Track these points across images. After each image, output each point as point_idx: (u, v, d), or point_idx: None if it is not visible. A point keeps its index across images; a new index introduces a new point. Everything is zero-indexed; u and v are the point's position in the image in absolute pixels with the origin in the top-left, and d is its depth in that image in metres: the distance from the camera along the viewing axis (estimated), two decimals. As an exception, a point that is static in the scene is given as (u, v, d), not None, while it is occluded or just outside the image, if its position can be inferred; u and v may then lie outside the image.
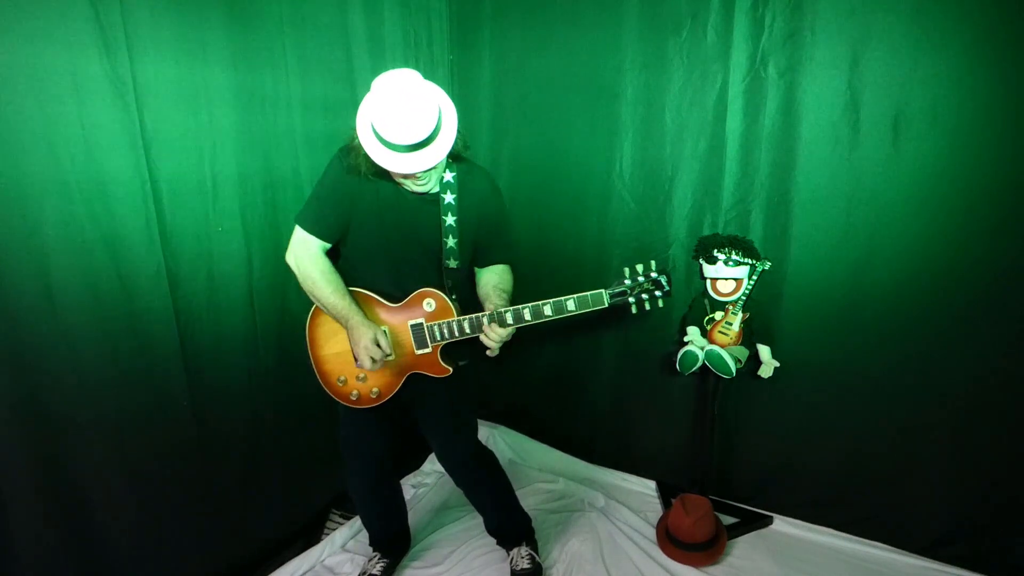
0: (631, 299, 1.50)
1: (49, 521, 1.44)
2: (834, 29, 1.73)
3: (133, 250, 1.51)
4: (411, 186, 1.48)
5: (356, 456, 1.79)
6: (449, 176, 1.54)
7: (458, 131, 1.41)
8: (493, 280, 1.65)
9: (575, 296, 1.48)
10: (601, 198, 2.24)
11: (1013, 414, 1.71)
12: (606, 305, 1.48)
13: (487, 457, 1.90)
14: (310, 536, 2.15)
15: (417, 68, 1.91)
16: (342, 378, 1.64)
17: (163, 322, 1.59)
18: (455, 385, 1.65)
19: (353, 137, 1.41)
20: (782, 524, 2.13)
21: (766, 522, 2.14)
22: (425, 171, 1.39)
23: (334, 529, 2.17)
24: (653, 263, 1.52)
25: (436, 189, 1.53)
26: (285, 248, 1.56)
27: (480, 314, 1.52)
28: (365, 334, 1.51)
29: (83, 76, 1.36)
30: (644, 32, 2.03)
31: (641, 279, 1.50)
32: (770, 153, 1.90)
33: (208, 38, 1.60)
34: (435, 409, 1.74)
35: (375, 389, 1.63)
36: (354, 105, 2.04)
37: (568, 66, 2.21)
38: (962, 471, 1.82)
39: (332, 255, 1.61)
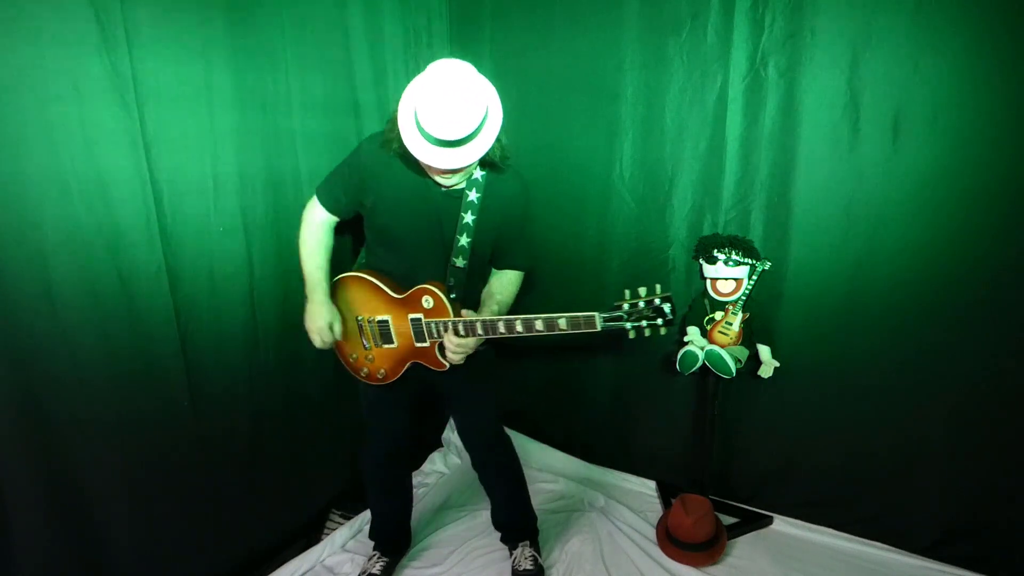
0: (628, 324, 1.40)
1: (49, 521, 1.43)
2: (834, 29, 1.72)
3: (133, 250, 1.50)
4: (437, 178, 1.47)
5: (373, 426, 1.82)
6: (478, 174, 1.52)
7: (499, 140, 1.39)
8: (495, 286, 1.67)
9: (567, 315, 1.42)
10: (601, 198, 2.23)
11: (1013, 414, 1.71)
12: (598, 329, 1.41)
13: (508, 443, 1.91)
14: (310, 536, 2.15)
15: (417, 67, 1.91)
16: (354, 355, 1.73)
17: (163, 322, 1.59)
18: (473, 365, 1.64)
19: (396, 110, 1.39)
20: (782, 524, 2.13)
21: (766, 522, 2.14)
22: (453, 169, 1.37)
23: (334, 529, 2.17)
24: (658, 287, 1.40)
25: (463, 185, 1.53)
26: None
27: (473, 319, 1.51)
28: (323, 316, 1.61)
29: (83, 76, 1.36)
30: (644, 32, 2.03)
31: (642, 305, 1.38)
32: (770, 153, 1.90)
33: (209, 37, 1.60)
34: (455, 387, 1.76)
35: (381, 370, 1.69)
36: (354, 105, 2.09)
37: (568, 66, 2.20)
38: (962, 471, 1.82)
39: (359, 237, 1.67)
